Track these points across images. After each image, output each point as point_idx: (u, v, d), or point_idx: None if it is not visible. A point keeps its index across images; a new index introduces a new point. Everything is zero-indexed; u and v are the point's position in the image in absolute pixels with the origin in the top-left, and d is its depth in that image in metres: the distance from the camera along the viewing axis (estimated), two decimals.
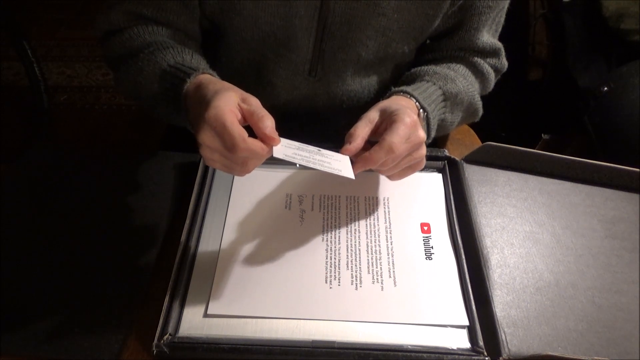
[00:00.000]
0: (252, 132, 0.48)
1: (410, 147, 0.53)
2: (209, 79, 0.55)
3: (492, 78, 0.75)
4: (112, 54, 0.66)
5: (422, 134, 0.53)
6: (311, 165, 0.49)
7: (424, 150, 0.55)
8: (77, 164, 0.68)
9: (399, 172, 0.56)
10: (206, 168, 0.65)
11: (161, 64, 0.60)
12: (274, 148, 0.48)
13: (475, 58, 0.72)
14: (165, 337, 0.48)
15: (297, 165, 0.49)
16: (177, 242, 0.56)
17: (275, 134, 0.48)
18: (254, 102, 0.49)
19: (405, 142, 0.52)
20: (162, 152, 0.70)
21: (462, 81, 0.69)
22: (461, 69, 0.71)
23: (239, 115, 0.48)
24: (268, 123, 0.47)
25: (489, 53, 0.72)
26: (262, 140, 0.47)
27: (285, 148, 0.49)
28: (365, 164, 0.51)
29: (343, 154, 0.52)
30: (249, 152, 0.46)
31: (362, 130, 0.52)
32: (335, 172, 0.51)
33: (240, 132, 0.45)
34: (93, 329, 0.51)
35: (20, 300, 0.53)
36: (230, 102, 0.47)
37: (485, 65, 0.72)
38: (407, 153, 0.53)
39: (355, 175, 0.52)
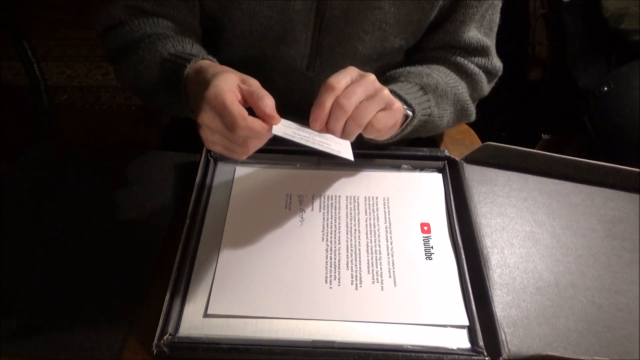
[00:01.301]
0: (252, 114, 0.48)
1: (361, 85, 0.51)
2: (209, 63, 0.55)
3: (482, 79, 0.72)
4: (113, 47, 0.66)
5: (365, 73, 0.52)
6: (310, 145, 0.49)
7: (379, 84, 0.53)
8: (77, 163, 0.68)
9: (373, 117, 0.52)
10: (206, 168, 0.65)
11: (162, 52, 0.60)
12: (274, 127, 0.48)
13: (458, 57, 0.70)
14: (165, 337, 0.48)
15: (297, 142, 0.49)
16: (177, 242, 0.56)
17: (275, 113, 0.48)
18: (254, 83, 0.49)
19: (345, 78, 0.51)
20: (162, 152, 0.70)
21: (439, 74, 0.68)
22: (440, 67, 0.70)
23: (239, 96, 0.48)
24: (268, 102, 0.47)
25: (474, 51, 0.71)
26: (263, 120, 0.47)
27: (285, 127, 0.49)
28: (317, 110, 0.50)
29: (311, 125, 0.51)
30: (249, 130, 0.46)
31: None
32: (334, 153, 0.51)
33: (240, 110, 0.45)
34: (93, 329, 0.51)
35: (21, 300, 0.53)
36: (230, 82, 0.47)
37: (469, 64, 0.71)
38: (362, 90, 0.51)
39: (354, 158, 0.52)
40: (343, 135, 0.52)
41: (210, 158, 0.66)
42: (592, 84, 1.25)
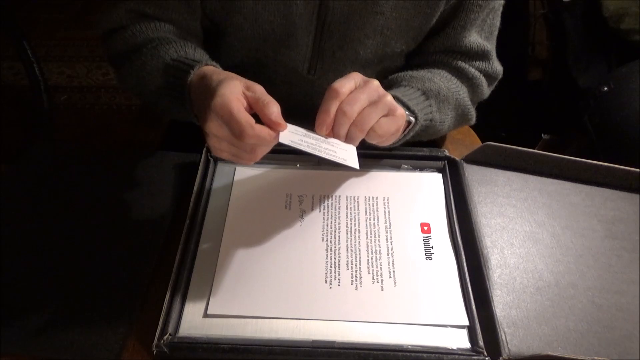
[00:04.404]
0: (258, 120, 0.48)
1: (364, 91, 0.51)
2: (212, 69, 0.55)
3: (483, 83, 0.73)
4: (115, 51, 0.66)
5: (369, 79, 0.52)
6: (316, 153, 0.49)
7: (383, 91, 0.53)
8: (77, 164, 0.68)
9: (376, 123, 0.52)
10: (206, 168, 0.65)
11: (164, 58, 0.60)
12: (281, 134, 0.48)
13: (460, 62, 0.70)
14: (165, 337, 0.48)
15: (303, 151, 0.49)
16: (177, 242, 0.56)
17: (281, 120, 0.48)
18: (258, 89, 0.49)
19: (349, 84, 0.51)
20: (162, 152, 0.70)
21: (441, 79, 0.68)
22: (441, 72, 0.70)
23: (245, 103, 0.48)
24: (274, 109, 0.47)
25: (475, 55, 0.71)
26: (269, 126, 0.47)
27: (291, 134, 0.49)
28: (322, 116, 0.50)
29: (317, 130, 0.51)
30: (257, 138, 0.46)
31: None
32: (340, 162, 0.51)
33: (247, 118, 0.46)
34: (93, 329, 0.51)
35: (21, 300, 0.53)
36: (235, 90, 0.47)
37: (471, 69, 0.71)
38: (366, 97, 0.51)
39: (359, 166, 0.52)
40: (347, 140, 0.52)
41: (210, 158, 0.66)
42: (592, 84, 1.25)
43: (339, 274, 0.55)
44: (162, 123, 0.86)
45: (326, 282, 0.54)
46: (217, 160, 0.67)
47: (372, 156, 0.67)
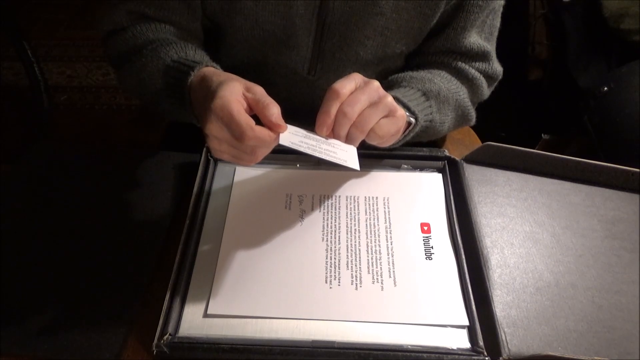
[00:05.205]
0: (258, 122, 0.48)
1: (365, 92, 0.51)
2: (213, 71, 0.55)
3: (483, 84, 0.73)
4: (115, 53, 0.66)
5: (369, 80, 0.52)
6: (317, 155, 0.49)
7: (383, 92, 0.53)
8: (77, 164, 0.68)
9: (376, 124, 0.52)
10: (206, 168, 0.65)
11: (164, 59, 0.60)
12: (281, 136, 0.48)
13: (459, 63, 0.70)
14: (165, 337, 0.48)
15: (303, 152, 0.49)
16: (177, 242, 0.56)
17: (281, 121, 0.48)
18: (259, 91, 0.49)
19: (349, 84, 0.50)
20: (162, 152, 0.70)
21: (441, 80, 0.68)
22: (441, 72, 0.70)
23: (245, 105, 0.48)
24: (274, 110, 0.47)
25: (475, 56, 0.71)
26: (269, 128, 0.47)
27: (292, 136, 0.49)
28: (322, 116, 0.50)
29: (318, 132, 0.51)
30: (257, 140, 0.46)
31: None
32: (341, 163, 0.51)
33: (247, 120, 0.46)
34: (93, 329, 0.51)
35: (21, 300, 0.53)
36: (235, 92, 0.47)
37: (471, 70, 0.71)
38: (366, 98, 0.51)
39: (360, 167, 0.52)
40: (347, 141, 0.52)
41: (210, 158, 0.66)
42: (592, 84, 1.25)
43: (339, 274, 0.55)
44: (162, 123, 0.86)
45: (326, 282, 0.54)
46: (217, 160, 0.67)
47: (372, 156, 0.67)
